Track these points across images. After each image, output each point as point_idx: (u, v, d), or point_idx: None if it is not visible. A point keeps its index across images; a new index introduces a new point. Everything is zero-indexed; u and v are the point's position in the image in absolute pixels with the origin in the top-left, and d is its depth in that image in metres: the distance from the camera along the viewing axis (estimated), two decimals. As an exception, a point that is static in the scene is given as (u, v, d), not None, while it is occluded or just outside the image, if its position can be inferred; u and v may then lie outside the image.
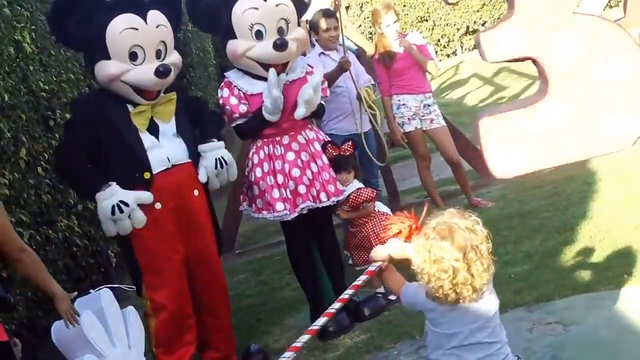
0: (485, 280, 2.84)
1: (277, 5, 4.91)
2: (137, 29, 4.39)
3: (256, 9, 4.86)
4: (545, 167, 3.37)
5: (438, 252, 2.80)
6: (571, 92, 3.10)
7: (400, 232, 3.18)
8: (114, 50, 4.38)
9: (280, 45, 4.83)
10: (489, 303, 2.94)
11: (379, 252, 3.26)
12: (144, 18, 4.43)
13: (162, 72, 4.44)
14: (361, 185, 5.43)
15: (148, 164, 4.46)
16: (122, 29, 4.36)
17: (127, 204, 4.32)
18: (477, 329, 2.93)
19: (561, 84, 3.09)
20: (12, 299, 3.72)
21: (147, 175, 4.44)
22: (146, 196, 4.42)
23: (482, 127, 3.14)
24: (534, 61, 3.14)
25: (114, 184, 4.36)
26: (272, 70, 4.85)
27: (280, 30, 4.93)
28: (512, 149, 3.16)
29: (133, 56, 4.42)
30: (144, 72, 4.42)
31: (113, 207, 4.29)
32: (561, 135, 3.14)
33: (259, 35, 4.90)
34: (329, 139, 5.36)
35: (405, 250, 3.10)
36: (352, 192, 5.34)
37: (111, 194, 4.33)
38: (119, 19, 4.37)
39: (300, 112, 5.00)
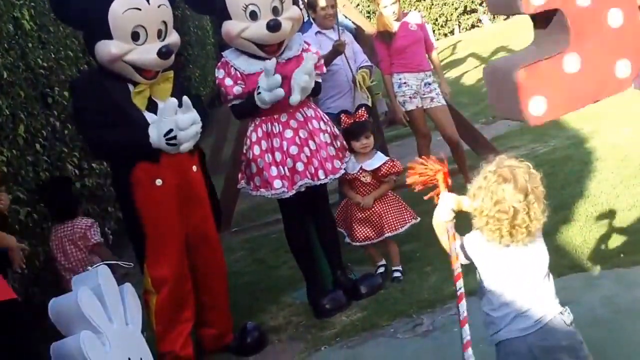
0: (541, 224, 2.93)
1: None
2: (139, 9, 4.38)
3: None
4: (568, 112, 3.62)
5: (501, 193, 2.87)
6: (589, 38, 3.33)
7: (431, 177, 3.20)
8: (116, 30, 4.36)
9: (273, 26, 4.81)
10: (538, 251, 3.01)
11: (442, 213, 3.16)
12: None
13: (164, 52, 4.43)
14: (384, 157, 5.47)
15: None
16: (125, 9, 4.34)
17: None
18: (521, 286, 3.02)
19: (581, 32, 3.32)
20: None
21: None
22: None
23: (520, 77, 3.29)
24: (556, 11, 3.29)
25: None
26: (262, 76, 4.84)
27: (275, 10, 4.91)
28: (544, 97, 3.35)
29: (135, 36, 4.41)
30: (146, 52, 4.41)
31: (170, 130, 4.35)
32: (579, 81, 3.36)
33: (253, 15, 4.88)
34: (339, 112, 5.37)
35: (460, 200, 3.13)
36: (387, 162, 5.42)
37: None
38: None
39: (296, 98, 4.95)
